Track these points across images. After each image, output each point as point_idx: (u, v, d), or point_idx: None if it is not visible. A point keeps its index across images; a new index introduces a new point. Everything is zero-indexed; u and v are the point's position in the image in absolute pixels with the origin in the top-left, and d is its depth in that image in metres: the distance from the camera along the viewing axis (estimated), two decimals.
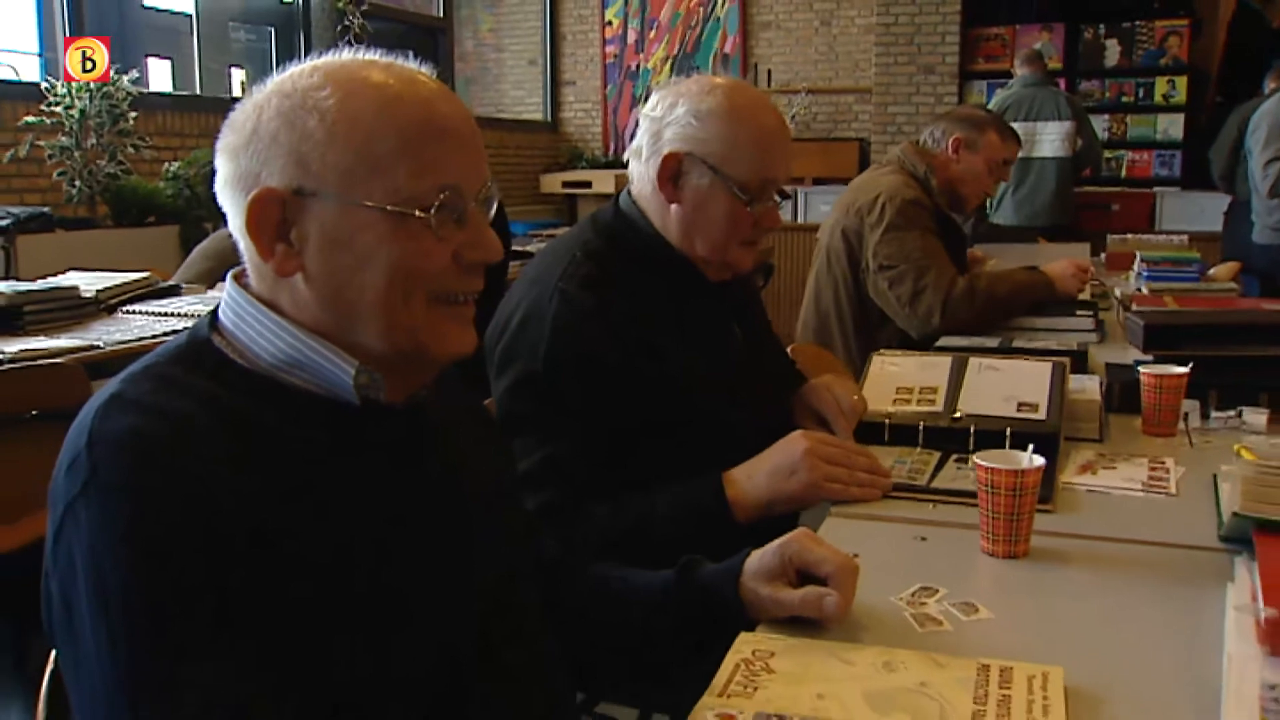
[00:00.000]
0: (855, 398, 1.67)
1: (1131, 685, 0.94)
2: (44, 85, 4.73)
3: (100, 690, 0.75)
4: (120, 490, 0.77)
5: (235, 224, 0.91)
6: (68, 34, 5.27)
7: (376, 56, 0.93)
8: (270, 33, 7.08)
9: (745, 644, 0.98)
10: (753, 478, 1.45)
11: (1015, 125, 5.14)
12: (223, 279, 0.99)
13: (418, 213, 0.88)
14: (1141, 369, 1.79)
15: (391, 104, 0.89)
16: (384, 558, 0.87)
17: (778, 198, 1.62)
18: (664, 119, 1.56)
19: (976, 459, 1.24)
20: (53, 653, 0.94)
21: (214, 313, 0.94)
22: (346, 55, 0.93)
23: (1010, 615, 1.10)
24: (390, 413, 0.93)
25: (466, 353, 0.96)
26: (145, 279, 3.43)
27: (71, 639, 0.78)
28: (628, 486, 1.46)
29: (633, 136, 1.65)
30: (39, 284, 3.10)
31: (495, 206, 0.96)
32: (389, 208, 0.88)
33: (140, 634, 0.75)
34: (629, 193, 1.65)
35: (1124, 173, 7.46)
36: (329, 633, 0.82)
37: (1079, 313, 2.76)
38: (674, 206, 1.58)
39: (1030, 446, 1.26)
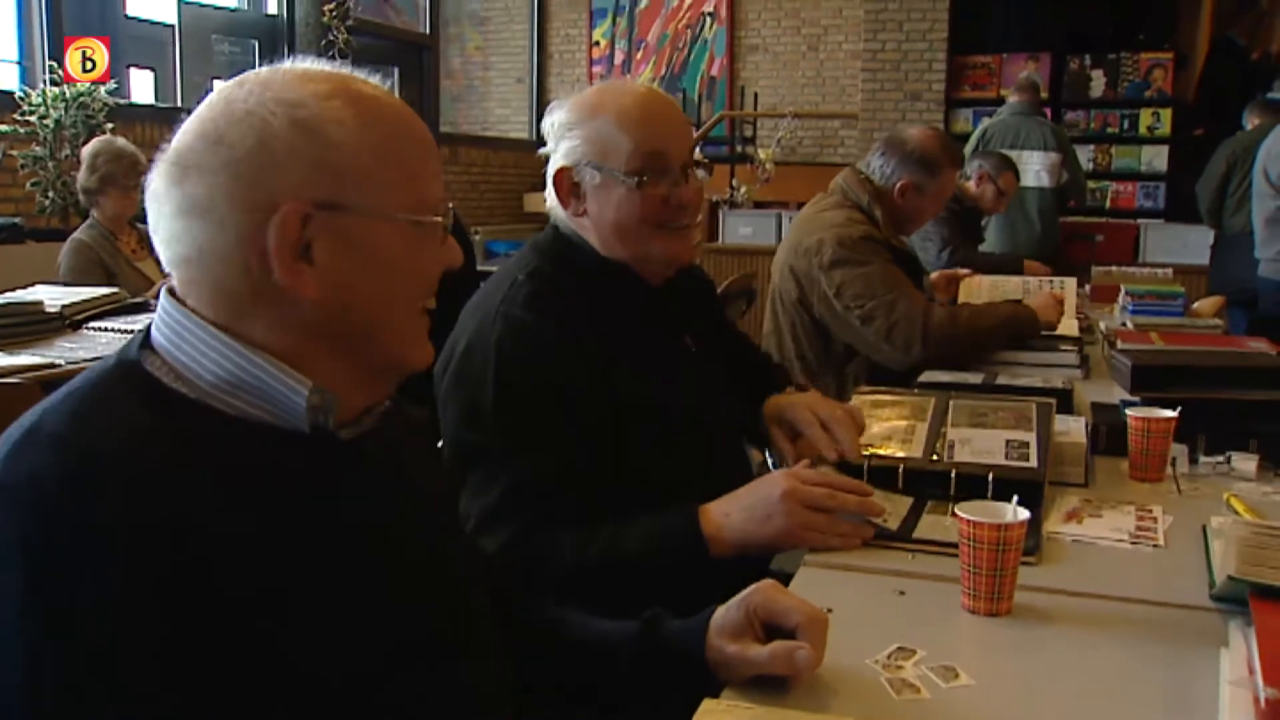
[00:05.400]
0: (839, 412, 1.62)
1: None
2: (18, 94, 4.66)
3: None
4: (19, 549, 0.70)
5: (221, 243, 0.83)
6: (46, 42, 5.21)
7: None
8: (254, 46, 7.02)
9: (709, 714, 0.92)
10: (729, 516, 1.38)
11: None
12: None
13: (439, 219, 0.90)
14: (1129, 412, 1.73)
15: (402, 116, 0.90)
16: (322, 599, 0.81)
17: (695, 171, 1.57)
18: (550, 144, 1.57)
19: (958, 511, 1.18)
20: None
21: (145, 332, 0.87)
22: (312, 63, 0.90)
23: (992, 682, 1.03)
24: (333, 440, 0.87)
25: (428, 364, 0.96)
26: (114, 294, 3.35)
27: None
28: (592, 509, 1.41)
29: None
30: (0, 298, 3.02)
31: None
32: (416, 218, 0.88)
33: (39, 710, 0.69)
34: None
35: (1108, 204, 7.48)
36: (259, 696, 0.76)
37: (1063, 347, 2.72)
38: (584, 218, 1.56)
39: (1015, 498, 1.20)
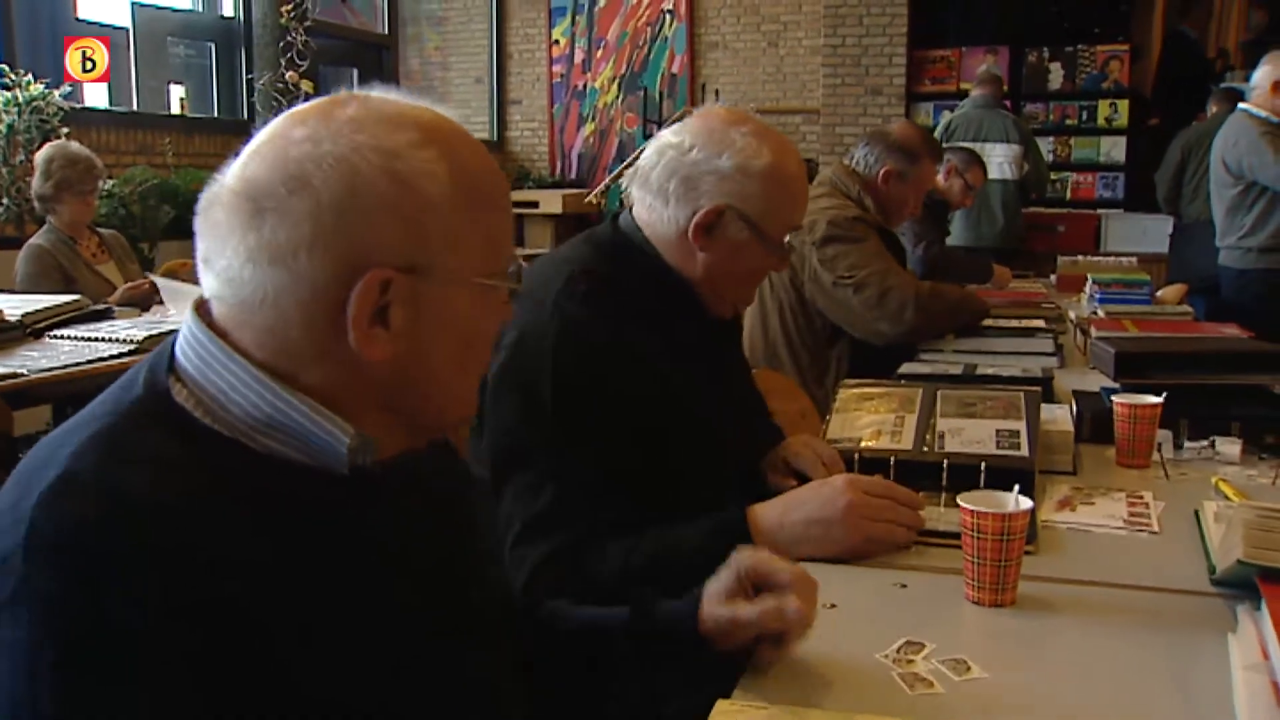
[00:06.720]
0: (830, 451, 1.59)
1: None
2: None
3: None
4: (58, 606, 0.67)
5: (293, 295, 0.77)
6: None
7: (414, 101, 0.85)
8: (210, 48, 6.90)
9: (723, 715, 0.90)
10: (784, 526, 1.33)
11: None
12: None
13: (508, 286, 0.86)
14: (1115, 399, 1.73)
15: (489, 168, 0.85)
16: (343, 629, 0.79)
17: None
18: (703, 165, 1.47)
19: (961, 501, 1.17)
20: None
21: (171, 356, 0.81)
22: (399, 96, 0.83)
23: (1004, 674, 1.02)
24: (372, 480, 0.84)
25: (471, 419, 0.98)
26: (76, 301, 3.28)
27: None
28: (637, 516, 1.37)
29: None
30: None
31: None
32: (490, 283, 0.84)
33: None
34: (630, 214, 1.56)
35: (1069, 194, 7.54)
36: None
37: (1038, 335, 2.74)
38: (701, 254, 1.50)
39: (1016, 487, 1.20)
